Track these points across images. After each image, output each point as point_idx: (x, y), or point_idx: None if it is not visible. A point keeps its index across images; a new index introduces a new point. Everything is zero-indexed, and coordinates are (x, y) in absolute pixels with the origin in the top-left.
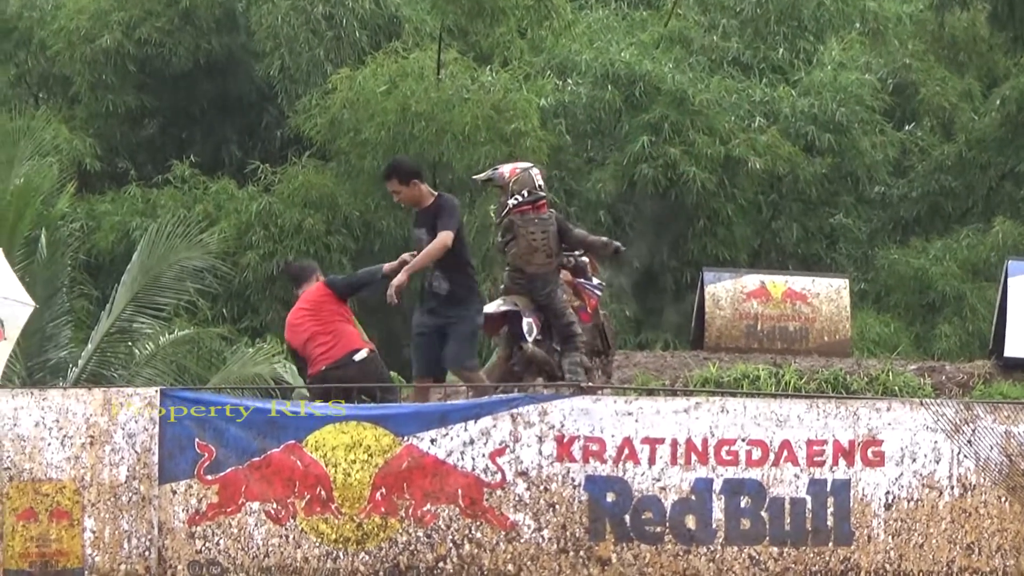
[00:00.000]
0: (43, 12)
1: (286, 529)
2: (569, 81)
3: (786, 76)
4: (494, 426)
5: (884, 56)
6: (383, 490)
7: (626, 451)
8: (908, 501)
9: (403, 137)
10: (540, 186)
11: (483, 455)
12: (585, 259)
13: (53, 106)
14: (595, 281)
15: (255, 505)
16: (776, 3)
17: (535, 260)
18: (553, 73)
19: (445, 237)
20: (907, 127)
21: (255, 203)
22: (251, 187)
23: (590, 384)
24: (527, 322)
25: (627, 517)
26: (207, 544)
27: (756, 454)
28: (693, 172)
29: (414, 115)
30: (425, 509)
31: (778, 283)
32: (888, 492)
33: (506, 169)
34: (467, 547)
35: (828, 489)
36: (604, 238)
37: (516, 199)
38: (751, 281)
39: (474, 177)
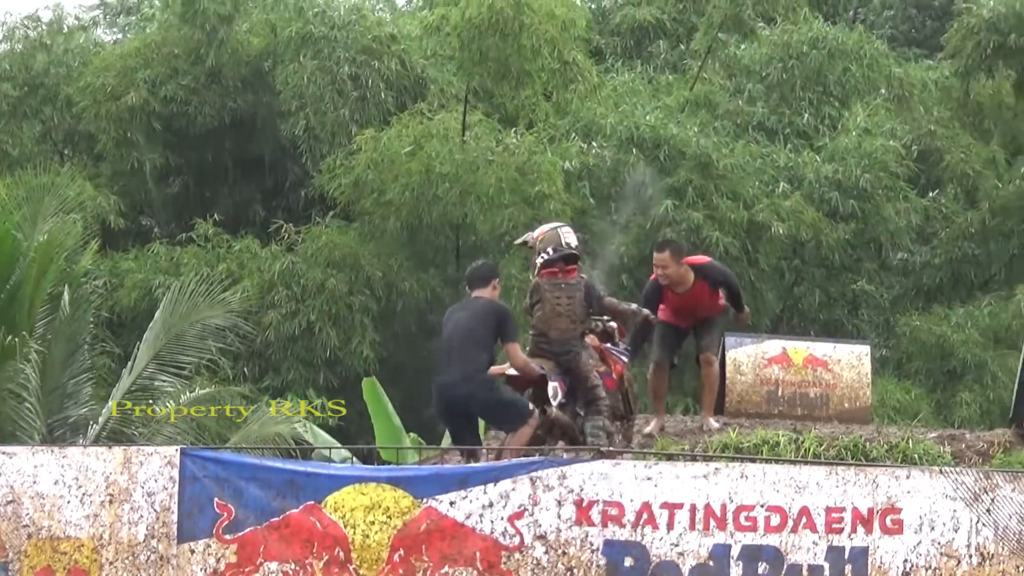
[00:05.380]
0: (70, 69)
1: None
2: (594, 144)
3: (811, 141)
4: (513, 489)
5: (909, 122)
6: (401, 552)
7: (645, 516)
8: (926, 570)
9: (427, 198)
10: (568, 244)
11: (502, 518)
12: (613, 324)
13: (78, 163)
14: (621, 346)
15: (273, 565)
16: (802, 69)
17: (558, 325)
18: (578, 136)
19: None
20: (931, 194)
21: (278, 262)
22: (274, 246)
23: (610, 448)
24: (552, 386)
25: None
26: None
27: (775, 520)
28: (716, 237)
29: (438, 176)
30: (443, 572)
31: (799, 349)
32: (906, 560)
33: (538, 230)
34: None
35: (846, 556)
36: (634, 306)
37: (542, 257)
38: (772, 347)
39: (514, 242)
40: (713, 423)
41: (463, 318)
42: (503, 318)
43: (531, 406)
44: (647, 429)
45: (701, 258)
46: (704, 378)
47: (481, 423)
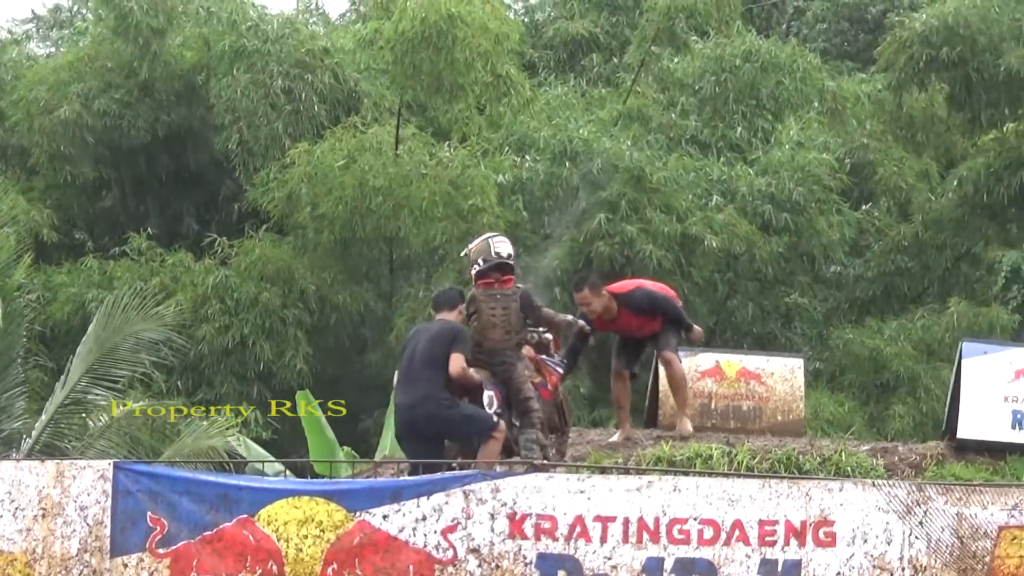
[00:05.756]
0: (3, 82)
1: None
2: (527, 157)
3: (744, 155)
4: (446, 502)
5: (842, 136)
6: (335, 566)
7: (578, 529)
8: None
9: (360, 212)
10: (499, 253)
11: (435, 531)
12: (549, 336)
13: (11, 177)
14: (557, 358)
15: None
16: (735, 82)
17: (492, 335)
18: (511, 149)
19: None
20: (864, 207)
21: (211, 276)
22: (208, 260)
23: (543, 462)
24: (488, 395)
25: None
26: None
27: (708, 533)
28: (650, 250)
29: (372, 190)
30: None
31: (733, 362)
32: (839, 573)
33: (474, 242)
34: None
35: (779, 569)
36: (570, 317)
37: (475, 268)
38: (706, 360)
39: (461, 255)
40: (688, 425)
41: (422, 341)
42: (456, 334)
43: (495, 417)
44: (612, 439)
45: (625, 285)
46: (668, 379)
47: None
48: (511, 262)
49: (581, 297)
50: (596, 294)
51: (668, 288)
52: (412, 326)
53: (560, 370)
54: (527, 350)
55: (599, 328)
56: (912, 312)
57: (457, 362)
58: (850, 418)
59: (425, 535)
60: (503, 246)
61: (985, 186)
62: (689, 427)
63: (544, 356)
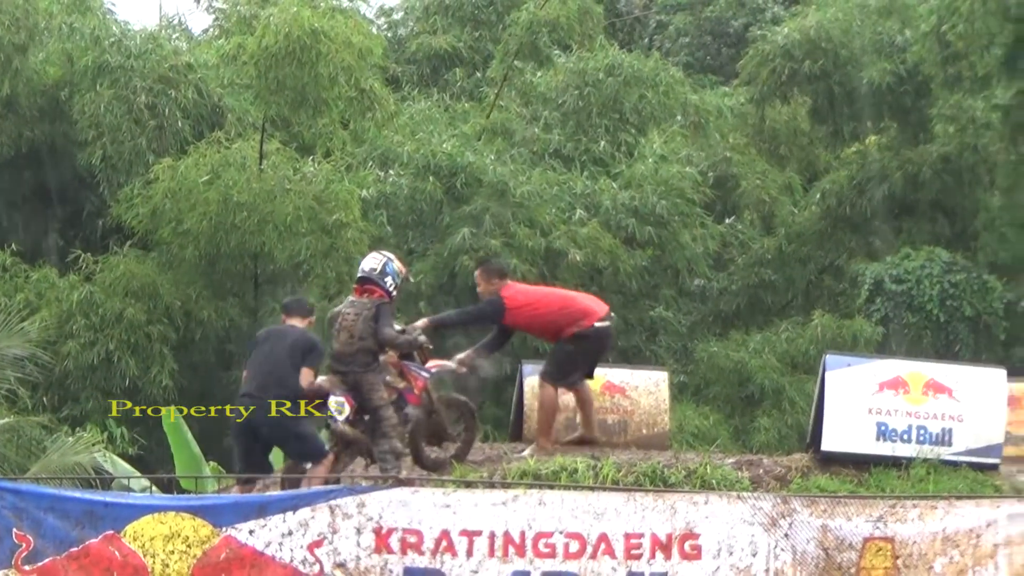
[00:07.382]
0: None
1: None
2: (391, 172)
3: (607, 169)
4: (312, 517)
5: (705, 149)
6: None
7: (444, 543)
8: None
9: (225, 227)
10: (362, 268)
11: (301, 546)
12: (424, 338)
13: None
14: (430, 365)
15: None
16: (598, 96)
17: (340, 338)
18: (375, 164)
19: None
20: (728, 220)
21: (76, 292)
22: (72, 276)
23: (408, 476)
24: (336, 400)
25: None
26: None
27: (574, 547)
28: (514, 264)
29: (236, 205)
30: None
31: (597, 375)
32: None
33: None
34: None
35: None
36: (409, 337)
37: None
38: None
39: None
40: (526, 451)
41: (281, 345)
42: (311, 348)
43: (327, 447)
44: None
45: (507, 285)
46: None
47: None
48: (371, 276)
49: (476, 276)
50: (485, 279)
51: (573, 306)
52: None
53: (425, 375)
54: (389, 357)
55: None
56: (776, 325)
57: (307, 376)
58: (715, 431)
59: (292, 550)
60: (367, 262)
61: (848, 199)
62: (526, 452)
63: (407, 362)
